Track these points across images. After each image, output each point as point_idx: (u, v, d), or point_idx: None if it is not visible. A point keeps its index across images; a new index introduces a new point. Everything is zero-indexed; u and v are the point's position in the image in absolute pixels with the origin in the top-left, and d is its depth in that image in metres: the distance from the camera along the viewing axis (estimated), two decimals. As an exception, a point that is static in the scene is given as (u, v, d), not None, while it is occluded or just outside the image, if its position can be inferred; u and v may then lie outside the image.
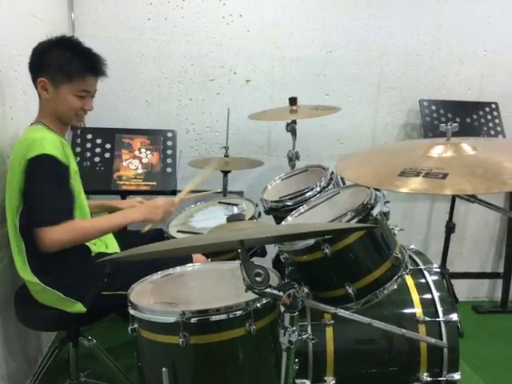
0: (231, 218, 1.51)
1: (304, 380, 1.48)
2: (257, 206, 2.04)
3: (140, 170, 2.32)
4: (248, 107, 2.63)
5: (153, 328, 1.19)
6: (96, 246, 1.71)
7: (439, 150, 1.27)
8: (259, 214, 1.98)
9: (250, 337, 1.16)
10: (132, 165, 2.32)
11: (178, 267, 1.48)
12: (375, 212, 1.41)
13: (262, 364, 1.24)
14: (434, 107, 2.72)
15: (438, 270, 1.66)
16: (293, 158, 2.31)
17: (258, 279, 0.96)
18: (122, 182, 2.28)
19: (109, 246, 1.79)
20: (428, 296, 1.58)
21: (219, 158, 2.40)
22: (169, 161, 2.36)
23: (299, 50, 2.69)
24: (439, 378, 1.52)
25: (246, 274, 0.96)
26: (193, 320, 1.14)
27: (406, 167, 1.21)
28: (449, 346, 1.51)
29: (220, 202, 2.23)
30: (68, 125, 1.69)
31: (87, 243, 1.64)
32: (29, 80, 1.59)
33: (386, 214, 1.52)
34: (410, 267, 1.51)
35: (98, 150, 2.31)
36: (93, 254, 1.67)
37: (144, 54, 2.59)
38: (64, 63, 1.53)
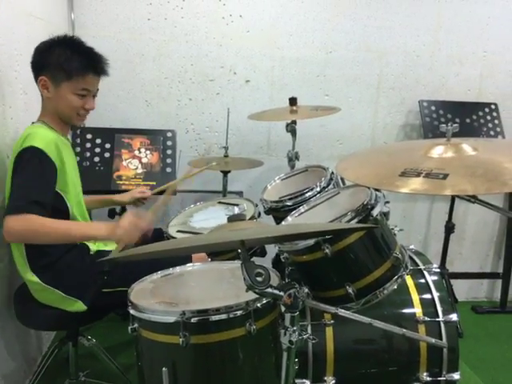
0: (232, 218, 1.51)
1: (304, 380, 1.48)
2: (256, 206, 2.04)
3: (140, 170, 2.32)
4: (248, 107, 2.63)
5: (153, 328, 1.19)
6: (95, 245, 1.72)
7: (440, 151, 1.28)
8: (259, 214, 1.98)
9: (250, 337, 1.16)
10: (132, 164, 2.32)
11: (177, 267, 1.48)
12: (375, 212, 1.41)
13: (262, 364, 1.24)
14: (433, 108, 2.72)
15: (438, 270, 1.67)
16: (292, 159, 2.31)
17: (258, 279, 0.96)
18: (121, 182, 2.28)
19: (108, 243, 1.79)
20: (428, 296, 1.59)
21: (219, 158, 2.40)
22: (168, 161, 2.36)
23: (299, 50, 2.70)
24: (439, 378, 1.52)
25: (247, 274, 0.96)
26: (193, 320, 1.14)
27: (406, 167, 1.22)
28: (448, 346, 1.51)
29: (220, 202, 2.23)
30: (70, 124, 1.68)
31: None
32: (29, 79, 1.60)
33: (386, 214, 1.52)
34: (409, 267, 1.51)
35: (97, 149, 2.32)
36: (92, 253, 1.67)
37: (144, 54, 2.59)
38: (64, 61, 1.53)
